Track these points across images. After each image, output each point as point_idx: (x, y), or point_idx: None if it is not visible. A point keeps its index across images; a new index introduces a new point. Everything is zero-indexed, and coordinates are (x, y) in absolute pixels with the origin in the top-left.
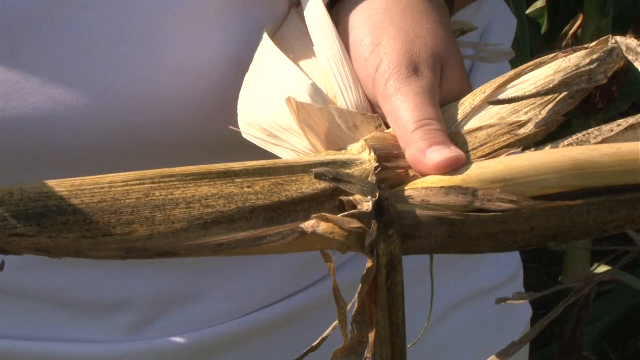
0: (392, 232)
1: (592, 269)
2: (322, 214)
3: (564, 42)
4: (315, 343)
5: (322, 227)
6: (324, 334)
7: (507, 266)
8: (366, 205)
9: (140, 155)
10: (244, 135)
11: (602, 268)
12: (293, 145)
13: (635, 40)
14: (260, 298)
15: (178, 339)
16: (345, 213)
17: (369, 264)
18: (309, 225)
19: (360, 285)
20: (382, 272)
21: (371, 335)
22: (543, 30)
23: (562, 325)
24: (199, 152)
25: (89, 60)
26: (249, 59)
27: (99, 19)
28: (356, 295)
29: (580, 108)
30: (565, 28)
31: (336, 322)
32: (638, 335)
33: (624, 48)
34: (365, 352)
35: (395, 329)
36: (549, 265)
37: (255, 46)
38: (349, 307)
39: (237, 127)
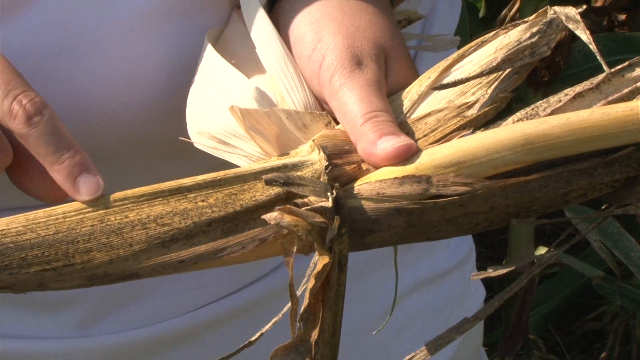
0: (344, 232)
1: (535, 252)
2: (286, 206)
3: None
4: (253, 338)
5: (287, 219)
6: (263, 330)
7: (458, 251)
8: (323, 203)
9: None
10: (196, 145)
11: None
12: (245, 151)
13: (574, 8)
14: (209, 293)
15: (129, 335)
16: (308, 207)
17: (324, 260)
18: (271, 217)
19: (312, 282)
20: (335, 270)
21: (314, 334)
22: (481, 14)
23: (507, 309)
24: (151, 158)
25: (30, 75)
26: (194, 63)
27: (38, 34)
28: (307, 293)
29: (528, 82)
30: (504, 11)
31: (277, 317)
32: (583, 317)
33: (563, 18)
34: (306, 351)
35: (334, 330)
36: (493, 249)
37: (200, 50)
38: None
39: (187, 133)
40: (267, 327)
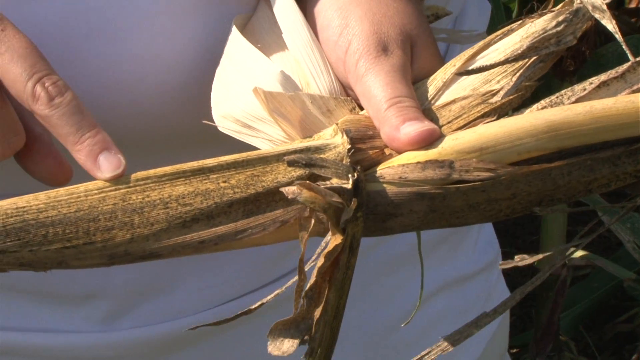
0: (360, 215)
1: (567, 254)
2: (306, 181)
3: None
4: (252, 307)
5: (305, 195)
6: (264, 300)
7: (485, 254)
8: (343, 184)
9: None
10: (220, 128)
11: (578, 253)
12: (269, 134)
13: None
14: (236, 288)
15: (152, 330)
16: (328, 186)
17: (336, 241)
18: (290, 191)
19: (321, 261)
20: (346, 252)
21: (316, 313)
22: (514, 15)
23: (539, 310)
24: (174, 145)
25: (56, 56)
26: (221, 51)
27: (65, 14)
28: (314, 271)
29: (554, 72)
30: (538, 12)
31: (279, 290)
32: (614, 319)
33: (589, 7)
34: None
35: (337, 312)
36: (525, 250)
37: (226, 38)
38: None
39: (212, 119)
40: (269, 297)
